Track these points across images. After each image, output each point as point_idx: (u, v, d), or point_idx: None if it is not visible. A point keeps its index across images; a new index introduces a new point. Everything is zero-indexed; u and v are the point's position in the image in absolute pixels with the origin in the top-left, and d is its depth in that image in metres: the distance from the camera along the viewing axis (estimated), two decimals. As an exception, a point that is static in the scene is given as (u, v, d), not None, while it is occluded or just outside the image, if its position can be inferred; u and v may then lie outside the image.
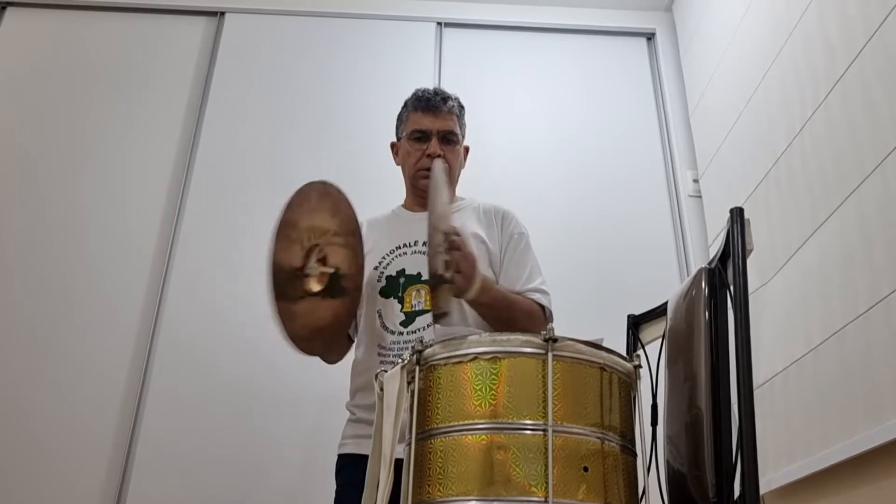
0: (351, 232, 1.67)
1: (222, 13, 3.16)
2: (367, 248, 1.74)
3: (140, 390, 2.49)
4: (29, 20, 3.14)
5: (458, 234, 1.49)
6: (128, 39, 3.12)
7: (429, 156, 1.76)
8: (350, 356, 1.78)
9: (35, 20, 3.14)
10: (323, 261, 1.55)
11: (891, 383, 1.58)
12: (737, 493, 1.12)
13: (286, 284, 1.55)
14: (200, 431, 2.43)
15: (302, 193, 1.64)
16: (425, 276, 1.68)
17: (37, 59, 3.06)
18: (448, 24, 3.20)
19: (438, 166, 1.61)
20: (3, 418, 2.44)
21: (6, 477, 2.37)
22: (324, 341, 1.66)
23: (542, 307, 1.67)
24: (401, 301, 1.67)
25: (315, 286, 1.54)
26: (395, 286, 1.69)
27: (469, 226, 1.75)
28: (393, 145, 1.89)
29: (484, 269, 1.70)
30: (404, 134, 1.82)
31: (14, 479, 2.36)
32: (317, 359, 2.39)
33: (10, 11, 3.14)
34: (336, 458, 1.67)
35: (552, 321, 1.67)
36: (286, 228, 1.56)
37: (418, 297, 1.67)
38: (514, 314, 1.61)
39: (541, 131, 3.01)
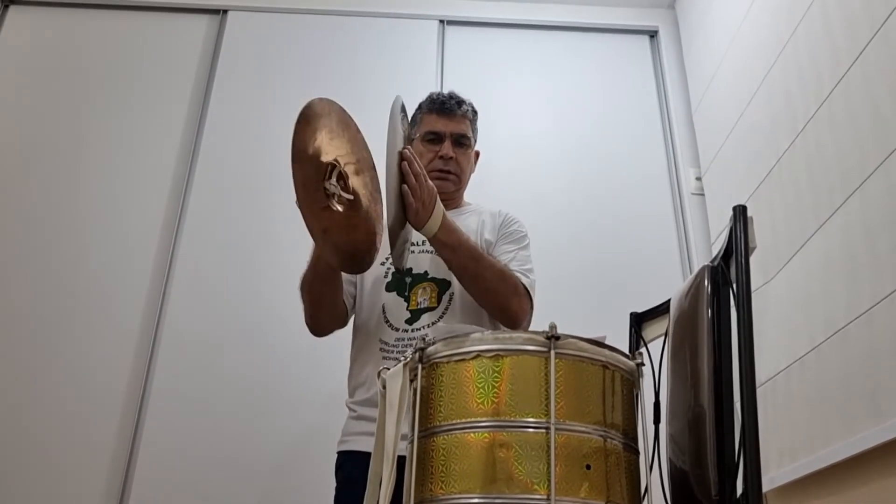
0: (371, 168, 1.59)
1: (225, 11, 3.16)
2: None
3: (142, 392, 2.49)
4: (32, 18, 3.14)
5: (414, 162, 1.50)
6: (130, 37, 3.13)
7: (441, 157, 1.78)
8: (339, 345, 1.77)
9: (38, 18, 3.14)
10: (344, 183, 1.46)
11: (893, 382, 1.58)
12: (739, 491, 1.12)
13: (312, 182, 1.44)
14: (202, 432, 2.44)
15: (323, 106, 1.55)
16: (432, 275, 1.69)
17: (39, 57, 3.07)
18: (450, 22, 3.20)
19: (396, 101, 1.59)
20: (4, 421, 2.45)
21: (8, 479, 2.37)
22: (345, 260, 1.53)
23: (522, 284, 1.64)
24: (407, 299, 1.68)
25: (335, 205, 1.45)
26: (401, 284, 1.70)
27: (477, 227, 1.76)
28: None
29: None
30: (418, 135, 1.83)
31: (16, 481, 2.37)
32: (317, 359, 2.40)
33: (12, 9, 3.15)
34: (336, 455, 1.67)
35: (533, 305, 1.66)
36: (310, 132, 1.47)
37: (424, 295, 1.67)
38: (480, 269, 1.59)
39: (543, 129, 3.01)
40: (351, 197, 1.48)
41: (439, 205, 1.54)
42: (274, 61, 3.07)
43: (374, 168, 1.59)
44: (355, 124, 1.58)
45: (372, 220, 1.55)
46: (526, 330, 1.65)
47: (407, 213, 1.52)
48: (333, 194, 1.45)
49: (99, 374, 2.52)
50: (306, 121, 1.47)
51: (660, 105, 3.09)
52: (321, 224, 1.44)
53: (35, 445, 2.41)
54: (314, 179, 1.43)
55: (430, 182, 1.54)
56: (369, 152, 1.60)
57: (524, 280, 1.65)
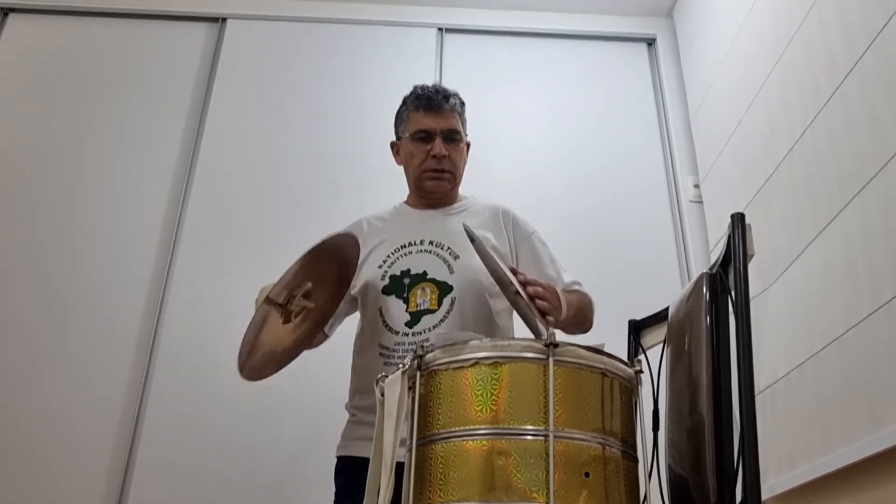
0: (346, 283, 1.63)
1: (224, 19, 3.17)
2: (371, 245, 1.75)
3: (140, 398, 2.48)
4: (31, 26, 3.15)
5: (521, 274, 1.50)
6: (129, 45, 3.13)
7: (434, 157, 1.75)
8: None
9: (37, 26, 3.15)
10: (307, 296, 1.52)
11: (893, 389, 1.58)
12: (738, 498, 1.11)
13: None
14: (200, 438, 2.43)
15: (326, 251, 1.52)
16: (431, 275, 1.67)
17: (39, 65, 3.07)
18: (449, 30, 3.20)
19: (479, 243, 1.54)
20: (3, 426, 2.44)
21: (6, 486, 2.36)
22: (276, 364, 1.59)
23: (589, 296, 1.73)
24: (406, 301, 1.66)
25: (291, 318, 1.53)
26: (399, 285, 1.68)
27: (475, 225, 1.75)
28: (393, 144, 1.87)
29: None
30: (406, 134, 1.80)
31: (14, 487, 2.36)
32: (316, 364, 2.39)
33: (12, 17, 3.15)
34: (335, 460, 1.66)
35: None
36: (299, 275, 1.51)
37: (423, 297, 1.66)
38: (585, 314, 1.69)
39: (542, 136, 3.02)
40: (312, 305, 1.53)
41: (561, 294, 1.56)
42: (273, 69, 3.07)
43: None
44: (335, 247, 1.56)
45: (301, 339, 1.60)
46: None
47: (543, 315, 1.48)
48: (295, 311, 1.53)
49: (97, 380, 2.51)
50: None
51: (658, 113, 3.10)
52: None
53: (33, 452, 2.41)
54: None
55: (544, 285, 1.51)
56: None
57: (582, 289, 1.74)
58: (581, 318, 1.67)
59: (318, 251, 1.46)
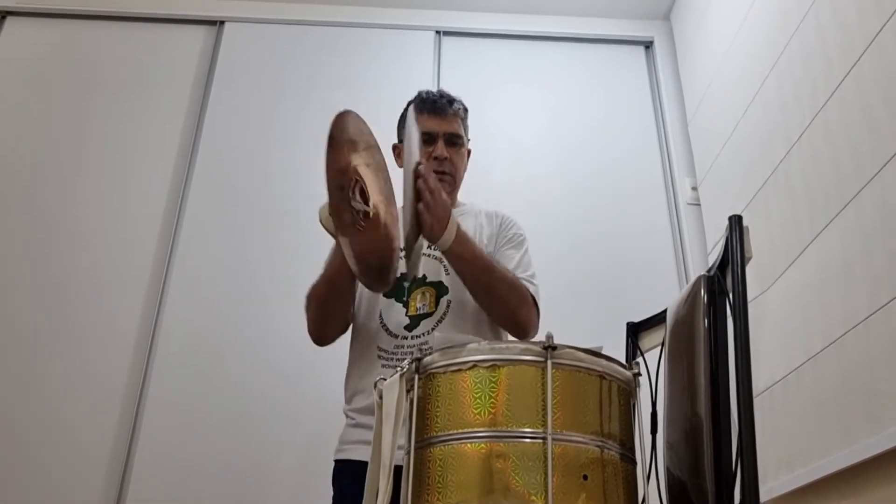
0: (385, 179, 1.61)
1: (222, 22, 3.18)
2: None
3: (138, 401, 2.48)
4: (29, 29, 3.15)
5: (430, 178, 1.49)
6: (127, 48, 3.13)
7: (435, 158, 1.75)
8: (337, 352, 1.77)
9: (35, 29, 3.15)
10: (363, 196, 1.50)
11: (891, 391, 1.58)
12: (737, 501, 1.11)
13: (342, 203, 1.48)
14: (199, 442, 2.43)
15: (340, 122, 1.56)
16: (429, 278, 1.68)
17: (37, 68, 3.07)
18: (447, 33, 3.21)
19: (410, 113, 1.60)
20: (1, 428, 2.44)
21: (4, 488, 2.36)
22: (370, 273, 1.54)
23: (530, 293, 1.64)
24: (405, 305, 1.66)
25: (360, 221, 1.49)
26: (398, 289, 1.68)
27: (474, 229, 1.75)
28: (394, 147, 1.87)
29: None
30: None
31: (12, 489, 2.36)
32: (314, 368, 2.39)
33: (10, 20, 3.15)
34: (333, 463, 1.66)
35: (539, 309, 1.66)
36: (336, 153, 1.52)
37: (423, 300, 1.66)
38: (493, 280, 1.58)
39: (540, 139, 3.02)
40: (372, 209, 1.50)
41: (454, 217, 1.53)
42: (270, 72, 3.08)
43: (386, 169, 1.61)
44: (367, 128, 1.60)
45: (392, 233, 1.56)
46: (530, 338, 1.66)
47: (422, 229, 1.50)
48: (358, 211, 1.47)
49: (95, 381, 2.51)
50: (333, 141, 1.52)
51: (655, 115, 3.10)
52: (352, 245, 1.46)
53: (31, 453, 2.41)
54: (345, 193, 1.47)
55: (444, 196, 1.52)
56: (382, 155, 1.61)
57: (531, 288, 1.65)
58: (486, 282, 1.58)
59: (337, 144, 1.49)
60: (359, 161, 1.54)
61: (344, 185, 1.47)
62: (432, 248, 1.72)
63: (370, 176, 1.55)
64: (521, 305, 1.61)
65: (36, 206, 2.79)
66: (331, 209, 1.44)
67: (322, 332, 1.68)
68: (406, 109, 1.86)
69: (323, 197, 1.52)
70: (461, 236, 1.54)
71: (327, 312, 1.66)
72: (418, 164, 1.52)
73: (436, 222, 1.49)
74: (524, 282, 1.64)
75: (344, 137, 1.54)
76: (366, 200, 1.49)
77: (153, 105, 3.02)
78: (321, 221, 1.54)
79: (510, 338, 1.68)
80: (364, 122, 1.58)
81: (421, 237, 1.54)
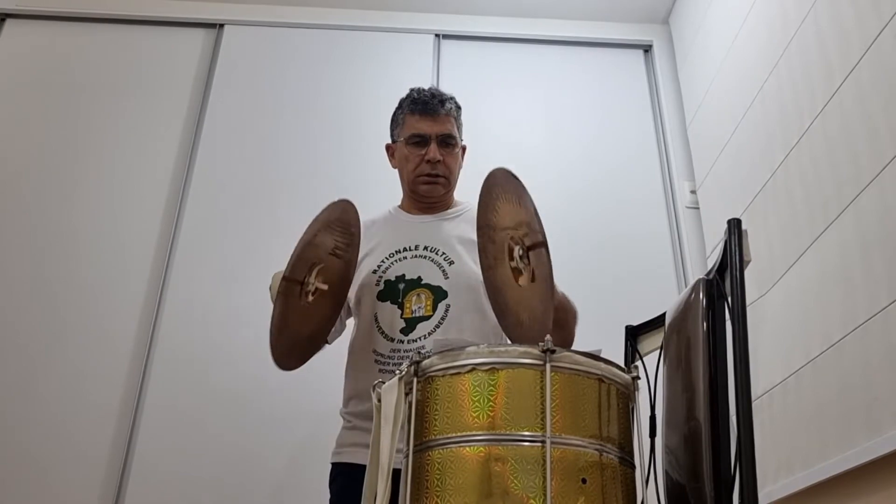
0: (354, 248, 1.66)
1: (221, 25, 3.18)
2: (366, 250, 1.74)
3: (135, 405, 2.48)
4: (28, 31, 3.15)
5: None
6: (127, 51, 3.13)
7: (428, 161, 1.74)
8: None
9: (34, 31, 3.15)
10: (321, 275, 1.56)
11: (890, 394, 1.58)
12: (736, 505, 1.11)
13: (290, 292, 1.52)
14: (196, 446, 2.43)
15: (330, 216, 1.58)
16: (426, 280, 1.67)
17: (36, 71, 3.07)
18: (446, 36, 3.21)
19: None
20: (-1, 431, 2.44)
21: (2, 491, 2.35)
22: (300, 353, 1.60)
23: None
24: (400, 307, 1.65)
25: (309, 297, 1.54)
26: (394, 291, 1.67)
27: (470, 235, 1.74)
28: (388, 147, 1.86)
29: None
30: (401, 138, 1.79)
31: (9, 494, 2.35)
32: (311, 372, 2.38)
33: (9, 22, 3.15)
34: (329, 466, 1.65)
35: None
36: (309, 248, 1.53)
37: (419, 303, 1.65)
38: (568, 317, 1.62)
39: (538, 142, 3.02)
40: (325, 287, 1.57)
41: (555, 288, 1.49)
42: (270, 75, 3.08)
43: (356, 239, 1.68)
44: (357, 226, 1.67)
45: (325, 328, 1.66)
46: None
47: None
48: (313, 286, 1.54)
49: (93, 386, 2.51)
50: (338, 226, 1.61)
51: (654, 119, 3.10)
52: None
53: (29, 457, 2.40)
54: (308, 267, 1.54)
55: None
56: (358, 230, 1.67)
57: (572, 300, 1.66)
58: (562, 318, 1.58)
59: (321, 222, 1.50)
60: (334, 250, 1.60)
61: (312, 261, 1.53)
62: (428, 249, 1.71)
63: (338, 267, 1.61)
64: (574, 324, 1.65)
65: (35, 210, 2.79)
66: (287, 273, 1.47)
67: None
68: (397, 110, 1.84)
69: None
70: (559, 300, 1.54)
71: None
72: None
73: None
74: (562, 293, 1.63)
75: (334, 223, 1.59)
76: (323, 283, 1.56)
77: (152, 108, 3.02)
78: (270, 286, 1.61)
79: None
80: (357, 218, 1.64)
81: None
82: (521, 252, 1.42)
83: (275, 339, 1.49)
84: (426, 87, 1.82)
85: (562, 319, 1.58)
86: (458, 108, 1.82)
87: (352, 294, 1.74)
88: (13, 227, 2.75)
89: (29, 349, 2.56)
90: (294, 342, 1.57)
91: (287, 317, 1.50)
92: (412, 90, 1.82)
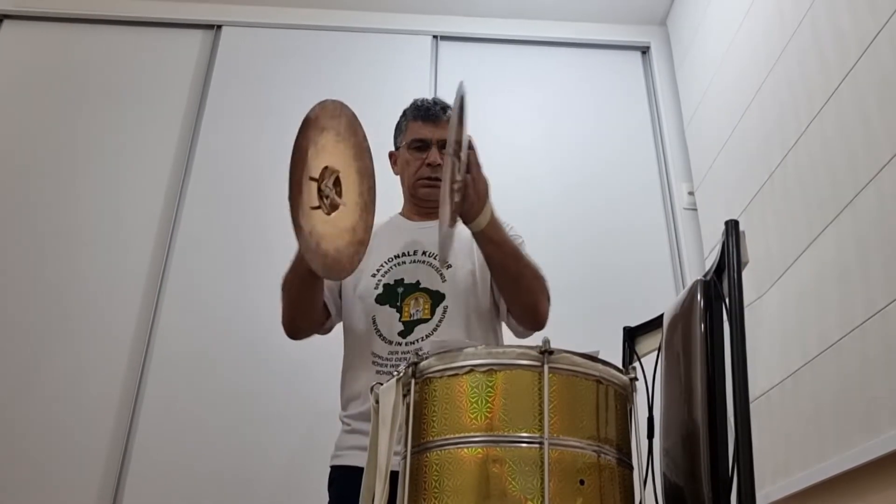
0: (368, 186, 1.61)
1: (219, 27, 3.18)
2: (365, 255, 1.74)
3: (134, 404, 2.48)
4: (26, 32, 3.14)
5: (472, 150, 1.48)
6: (124, 52, 3.13)
7: (429, 165, 1.76)
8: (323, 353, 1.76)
9: (32, 32, 3.15)
10: (339, 190, 1.48)
11: (888, 395, 1.58)
12: (734, 506, 1.11)
13: (307, 181, 1.45)
14: (194, 446, 2.43)
15: (334, 109, 1.55)
16: (424, 284, 1.68)
17: (33, 72, 3.07)
18: (444, 38, 3.21)
19: (460, 88, 1.55)
20: (-4, 431, 2.43)
21: (0, 489, 2.35)
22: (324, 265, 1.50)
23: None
24: (399, 310, 1.66)
25: (326, 208, 1.47)
26: (392, 295, 1.68)
27: (468, 237, 1.75)
28: (391, 154, 1.89)
29: (479, 274, 1.70)
30: (403, 143, 1.82)
31: (8, 490, 2.35)
32: (310, 372, 2.39)
33: (6, 24, 3.15)
34: (328, 469, 1.65)
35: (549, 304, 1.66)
36: (315, 131, 1.48)
37: (417, 306, 1.66)
38: (521, 267, 1.58)
39: (536, 143, 3.02)
40: (343, 203, 1.48)
41: (490, 201, 1.52)
42: (268, 77, 3.08)
43: (373, 178, 1.60)
44: (363, 132, 1.60)
45: (360, 231, 1.55)
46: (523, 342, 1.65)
47: (464, 202, 1.48)
48: (327, 196, 1.45)
49: (91, 384, 2.51)
50: (315, 119, 1.47)
51: (652, 120, 3.11)
52: (309, 223, 1.42)
53: (27, 456, 2.40)
54: (311, 178, 1.44)
55: (485, 176, 1.51)
56: (371, 162, 1.61)
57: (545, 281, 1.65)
58: (515, 270, 1.57)
59: (312, 118, 1.45)
60: (346, 156, 1.53)
61: (320, 172, 1.46)
62: (426, 254, 1.72)
63: (353, 176, 1.55)
64: (542, 296, 1.63)
65: (33, 210, 2.79)
66: (292, 187, 1.41)
67: (291, 323, 1.69)
68: (401, 118, 1.87)
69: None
70: (495, 220, 1.54)
71: (294, 300, 1.66)
72: (469, 139, 1.50)
73: (476, 199, 1.48)
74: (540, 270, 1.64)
75: (336, 124, 1.52)
76: (339, 194, 1.49)
77: (150, 109, 3.02)
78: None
79: (506, 342, 1.68)
80: (360, 124, 1.59)
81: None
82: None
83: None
84: (429, 97, 1.85)
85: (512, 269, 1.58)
86: None
87: (348, 297, 1.74)
88: (11, 226, 2.75)
89: (28, 345, 2.56)
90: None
91: (310, 231, 1.42)
92: (415, 99, 1.86)
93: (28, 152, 2.90)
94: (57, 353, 2.55)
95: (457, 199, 1.44)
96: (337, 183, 1.49)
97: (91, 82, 3.06)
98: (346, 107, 1.56)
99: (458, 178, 1.44)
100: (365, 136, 1.60)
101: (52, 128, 2.95)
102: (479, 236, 1.55)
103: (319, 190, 1.45)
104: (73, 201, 2.81)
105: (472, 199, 1.48)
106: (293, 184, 1.40)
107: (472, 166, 1.48)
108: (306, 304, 1.67)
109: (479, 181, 1.49)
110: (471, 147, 1.49)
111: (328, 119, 1.51)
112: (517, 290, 1.61)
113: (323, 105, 1.49)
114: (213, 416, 2.46)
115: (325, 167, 1.47)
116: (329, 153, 1.49)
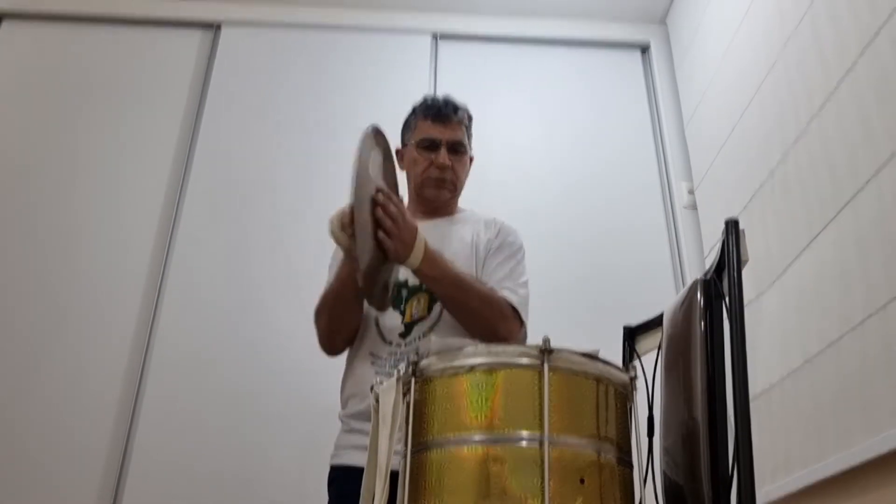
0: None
1: (218, 26, 3.17)
2: None
3: (134, 404, 2.48)
4: (25, 32, 3.14)
5: (385, 194, 1.50)
6: (124, 52, 3.13)
7: (437, 166, 1.75)
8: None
9: (31, 32, 3.15)
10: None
11: (887, 393, 1.58)
12: (734, 504, 1.11)
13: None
14: (195, 446, 2.43)
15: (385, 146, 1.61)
16: (426, 285, 1.67)
17: (32, 71, 3.07)
18: (443, 37, 3.21)
19: (367, 130, 1.54)
20: (-4, 431, 2.43)
21: (0, 489, 2.35)
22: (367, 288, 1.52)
23: (512, 305, 1.62)
24: (402, 312, 1.66)
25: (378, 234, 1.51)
26: (397, 297, 1.68)
27: (472, 236, 1.75)
28: (398, 151, 1.87)
29: (479, 274, 1.69)
30: (412, 141, 1.80)
31: (8, 490, 2.35)
32: (310, 372, 2.39)
33: (5, 23, 3.15)
34: (328, 468, 1.65)
35: (524, 324, 1.65)
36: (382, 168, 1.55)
37: (418, 307, 1.66)
38: (467, 297, 1.58)
39: (535, 142, 3.02)
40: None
41: (420, 237, 1.53)
42: (267, 76, 3.08)
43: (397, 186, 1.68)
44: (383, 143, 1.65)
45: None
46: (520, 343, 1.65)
47: (387, 255, 1.51)
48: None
49: (92, 384, 2.51)
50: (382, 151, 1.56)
51: (652, 119, 3.11)
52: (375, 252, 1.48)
53: (27, 456, 2.40)
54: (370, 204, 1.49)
55: (408, 218, 1.52)
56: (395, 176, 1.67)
57: (513, 298, 1.63)
58: (461, 299, 1.58)
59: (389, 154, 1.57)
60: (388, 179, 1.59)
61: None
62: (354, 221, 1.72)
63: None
64: (499, 320, 1.60)
65: (32, 210, 2.79)
66: (357, 220, 1.42)
67: (333, 344, 1.70)
68: (410, 115, 1.86)
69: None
70: (429, 256, 1.54)
71: (337, 326, 1.67)
72: (378, 190, 1.51)
73: (400, 246, 1.50)
74: (506, 292, 1.63)
75: (389, 154, 1.60)
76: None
77: (150, 108, 3.01)
78: (332, 233, 1.50)
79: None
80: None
81: (387, 266, 1.56)
82: None
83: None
84: (440, 96, 1.84)
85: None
86: (470, 118, 1.85)
87: None
88: (11, 226, 2.75)
89: (28, 345, 2.56)
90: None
91: (370, 265, 1.45)
92: (426, 97, 1.85)
93: (28, 152, 2.90)
94: (57, 353, 2.55)
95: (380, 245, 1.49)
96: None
97: (91, 82, 3.06)
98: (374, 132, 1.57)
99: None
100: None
101: (52, 127, 2.95)
102: (416, 273, 1.57)
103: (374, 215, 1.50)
104: (72, 201, 2.81)
105: (395, 248, 1.50)
106: (359, 224, 1.44)
107: (385, 221, 1.49)
108: (351, 325, 1.68)
109: (400, 229, 1.50)
110: (379, 203, 1.49)
111: (380, 147, 1.59)
112: (468, 318, 1.60)
113: (380, 137, 1.59)
114: (213, 416, 2.46)
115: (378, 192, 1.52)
116: (393, 181, 1.61)
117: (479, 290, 1.61)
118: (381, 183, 1.56)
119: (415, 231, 1.52)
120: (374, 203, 1.49)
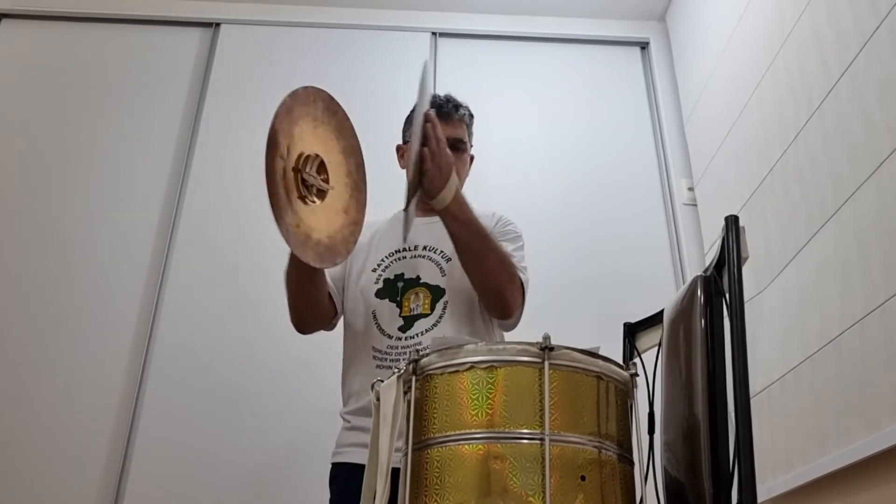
0: (356, 163, 1.57)
1: (217, 24, 3.17)
2: (367, 249, 1.75)
3: (134, 404, 2.48)
4: (24, 31, 3.14)
5: (438, 127, 1.49)
6: (123, 51, 3.13)
7: None
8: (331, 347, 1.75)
9: (30, 31, 3.14)
10: (322, 175, 1.43)
11: (888, 390, 1.58)
12: (734, 501, 1.11)
13: (286, 172, 1.40)
14: (195, 445, 2.43)
15: (308, 95, 1.51)
16: (424, 279, 1.68)
17: (31, 70, 3.07)
18: (443, 34, 3.21)
19: (426, 66, 1.57)
20: (-3, 430, 2.43)
21: (1, 489, 2.35)
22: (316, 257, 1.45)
23: (518, 276, 1.62)
24: (399, 305, 1.66)
25: (313, 197, 1.42)
26: (393, 290, 1.68)
27: None
28: (398, 148, 1.88)
29: None
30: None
31: (7, 492, 2.35)
32: (309, 371, 2.39)
33: (4, 22, 3.15)
34: (329, 466, 1.66)
35: (524, 298, 1.65)
36: (289, 121, 1.44)
37: (417, 301, 1.66)
38: (486, 248, 1.57)
39: (535, 140, 3.02)
40: (331, 187, 1.45)
41: (454, 177, 1.52)
42: (266, 74, 3.07)
43: (360, 155, 1.57)
44: (343, 111, 1.56)
45: (353, 212, 1.53)
46: (510, 324, 1.67)
47: (422, 179, 1.48)
48: (311, 185, 1.41)
49: (92, 385, 2.51)
50: (286, 110, 1.44)
51: (651, 116, 3.10)
52: (295, 218, 1.39)
53: (28, 456, 2.40)
54: (292, 170, 1.40)
55: (448, 151, 1.52)
56: (357, 139, 1.57)
57: (520, 275, 1.64)
58: (480, 249, 1.56)
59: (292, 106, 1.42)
60: (328, 139, 1.49)
61: (299, 161, 1.41)
62: (427, 249, 1.72)
63: (338, 157, 1.51)
64: (509, 283, 1.60)
65: (30, 210, 2.78)
66: (269, 185, 1.35)
67: (298, 318, 1.68)
68: (413, 110, 1.86)
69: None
70: (460, 197, 1.54)
71: (296, 294, 1.65)
72: (429, 114, 1.50)
73: (437, 173, 1.48)
74: (518, 263, 1.64)
75: (312, 110, 1.47)
76: (326, 180, 1.45)
77: (149, 107, 3.01)
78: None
79: (507, 339, 1.67)
80: (339, 104, 1.55)
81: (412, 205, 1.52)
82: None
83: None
84: (442, 94, 1.84)
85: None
86: (472, 116, 1.85)
87: (349, 291, 1.74)
88: (9, 226, 2.75)
89: (27, 346, 2.56)
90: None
91: (297, 224, 1.38)
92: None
93: (26, 151, 2.90)
94: (57, 353, 2.55)
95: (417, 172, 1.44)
96: (322, 168, 1.44)
97: (90, 80, 3.05)
98: (321, 90, 1.52)
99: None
100: (346, 115, 1.56)
101: (51, 126, 2.95)
102: (443, 214, 1.55)
103: (303, 180, 1.40)
104: (72, 200, 2.81)
105: (431, 174, 1.48)
106: (270, 181, 1.36)
107: (431, 140, 1.47)
108: (309, 296, 1.66)
109: (440, 156, 1.48)
110: (430, 121, 1.49)
111: (301, 107, 1.47)
112: (481, 271, 1.59)
113: (294, 94, 1.46)
114: (214, 417, 2.46)
115: (302, 154, 1.42)
116: (308, 140, 1.44)
117: (498, 246, 1.60)
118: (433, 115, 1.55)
119: (452, 164, 1.52)
120: (426, 119, 1.48)
